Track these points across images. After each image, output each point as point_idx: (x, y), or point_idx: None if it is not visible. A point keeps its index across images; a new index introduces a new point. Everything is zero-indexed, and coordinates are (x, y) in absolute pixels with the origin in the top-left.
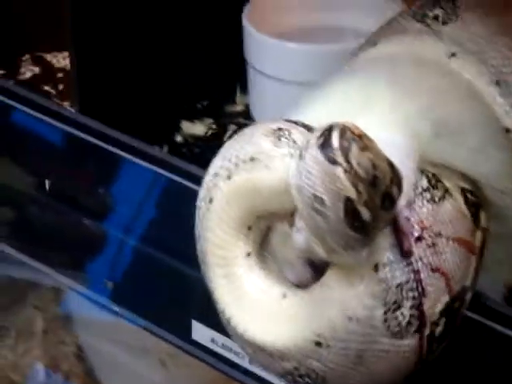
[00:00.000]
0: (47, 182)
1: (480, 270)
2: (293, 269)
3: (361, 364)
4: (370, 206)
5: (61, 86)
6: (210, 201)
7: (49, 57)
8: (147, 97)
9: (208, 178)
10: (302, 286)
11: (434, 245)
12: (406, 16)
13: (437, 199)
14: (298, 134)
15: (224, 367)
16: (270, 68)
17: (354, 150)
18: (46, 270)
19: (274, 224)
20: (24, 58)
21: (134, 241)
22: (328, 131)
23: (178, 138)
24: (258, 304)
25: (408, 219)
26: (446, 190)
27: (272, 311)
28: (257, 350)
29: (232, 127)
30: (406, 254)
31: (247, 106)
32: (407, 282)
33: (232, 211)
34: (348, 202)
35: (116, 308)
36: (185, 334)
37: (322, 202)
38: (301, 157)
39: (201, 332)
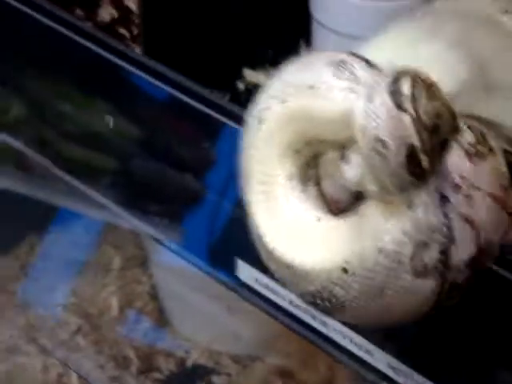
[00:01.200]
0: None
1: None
2: (334, 187)
3: (380, 297)
4: (429, 154)
5: (135, 31)
6: (261, 121)
7: (126, 1)
8: (211, 43)
9: (263, 98)
10: (339, 206)
11: (470, 196)
12: None
13: (480, 154)
14: (360, 71)
15: (267, 307)
16: (333, 22)
17: (423, 99)
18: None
19: (322, 150)
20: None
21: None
22: (400, 77)
23: (240, 86)
24: (291, 224)
25: (448, 167)
26: (490, 149)
27: (304, 232)
28: (283, 267)
29: None
30: (441, 199)
31: None
32: (438, 225)
33: (282, 134)
34: (411, 148)
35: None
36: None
37: (385, 145)
38: (369, 98)
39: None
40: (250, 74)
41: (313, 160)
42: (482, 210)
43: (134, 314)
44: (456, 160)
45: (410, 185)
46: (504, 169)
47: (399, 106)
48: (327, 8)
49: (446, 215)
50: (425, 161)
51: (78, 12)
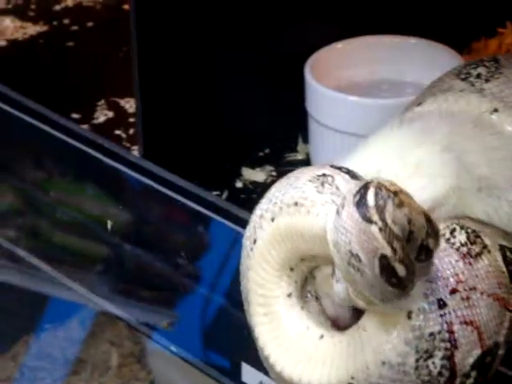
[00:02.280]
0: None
1: None
2: (333, 306)
3: None
4: (405, 262)
5: (131, 131)
6: (255, 241)
7: (122, 102)
8: (211, 144)
9: (254, 219)
10: (340, 324)
11: (468, 298)
12: (450, 75)
13: (474, 254)
14: (341, 181)
15: None
16: (329, 120)
17: (390, 207)
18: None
19: (317, 263)
20: (99, 103)
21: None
22: (364, 189)
23: (238, 184)
24: (295, 344)
25: (442, 270)
26: (485, 247)
27: (309, 352)
28: None
29: None
30: (439, 304)
31: (308, 155)
32: (440, 332)
33: (275, 252)
34: (383, 259)
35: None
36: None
37: (358, 258)
38: (338, 213)
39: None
40: (249, 173)
41: (310, 275)
42: (482, 310)
43: None
44: (449, 263)
45: (393, 295)
46: (502, 266)
47: (365, 218)
48: (321, 105)
49: (445, 321)
50: (401, 270)
51: (74, 115)
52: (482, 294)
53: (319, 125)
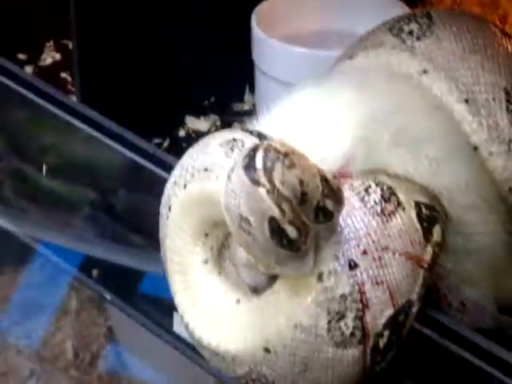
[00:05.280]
0: None
1: (427, 283)
2: (249, 273)
3: (306, 371)
4: (296, 223)
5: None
6: (170, 208)
7: (71, 45)
8: (154, 91)
9: (168, 186)
10: (257, 290)
11: (379, 258)
12: (383, 29)
13: (387, 213)
14: (250, 145)
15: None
16: (276, 71)
17: (278, 169)
18: None
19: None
20: (48, 44)
21: None
22: (253, 151)
23: (181, 133)
24: (213, 310)
25: (354, 231)
26: (399, 204)
27: (226, 317)
28: (212, 355)
29: (236, 125)
30: (350, 265)
31: (254, 106)
32: (351, 293)
33: (189, 219)
34: (272, 221)
35: None
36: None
37: (248, 221)
38: (228, 177)
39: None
40: (192, 121)
41: (226, 240)
42: (394, 270)
43: (89, 357)
44: (362, 222)
45: (287, 257)
46: (416, 223)
47: (253, 181)
48: (268, 56)
49: (356, 281)
50: (291, 232)
51: (21, 56)
52: (394, 253)
53: (265, 76)
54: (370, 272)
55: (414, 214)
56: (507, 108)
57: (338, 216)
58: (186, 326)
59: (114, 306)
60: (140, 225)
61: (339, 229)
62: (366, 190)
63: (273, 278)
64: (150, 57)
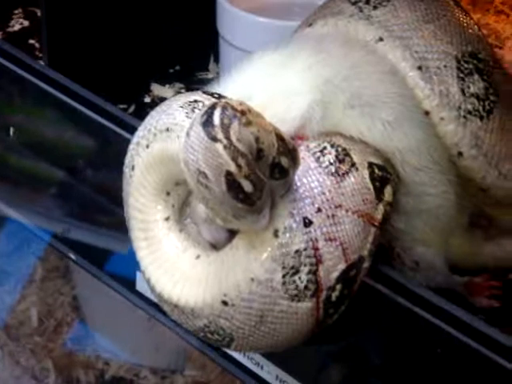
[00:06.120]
0: None
1: (378, 240)
2: (209, 229)
3: (262, 323)
4: (251, 178)
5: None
6: (133, 168)
7: (39, 12)
8: (120, 57)
9: (132, 146)
10: (217, 246)
11: (333, 216)
12: None
13: (341, 173)
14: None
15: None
16: (239, 40)
17: (235, 126)
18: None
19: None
20: (16, 11)
21: None
22: (211, 109)
23: (147, 99)
24: (173, 265)
25: (309, 189)
26: (353, 164)
27: (186, 272)
28: (173, 308)
29: None
30: (305, 222)
31: (219, 74)
32: (305, 249)
33: (150, 178)
34: (229, 175)
35: None
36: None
37: (205, 176)
38: (187, 134)
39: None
40: (158, 89)
41: (187, 199)
42: (347, 227)
43: (53, 325)
44: (317, 181)
45: (244, 211)
46: (368, 183)
47: (211, 136)
48: (232, 26)
49: (310, 238)
50: (247, 186)
51: None
52: (347, 211)
53: (229, 45)
54: (324, 229)
55: (366, 175)
56: (458, 75)
57: (294, 174)
58: (148, 281)
59: (79, 267)
60: (105, 187)
61: (295, 187)
62: (322, 151)
63: (232, 235)
64: (116, 25)
